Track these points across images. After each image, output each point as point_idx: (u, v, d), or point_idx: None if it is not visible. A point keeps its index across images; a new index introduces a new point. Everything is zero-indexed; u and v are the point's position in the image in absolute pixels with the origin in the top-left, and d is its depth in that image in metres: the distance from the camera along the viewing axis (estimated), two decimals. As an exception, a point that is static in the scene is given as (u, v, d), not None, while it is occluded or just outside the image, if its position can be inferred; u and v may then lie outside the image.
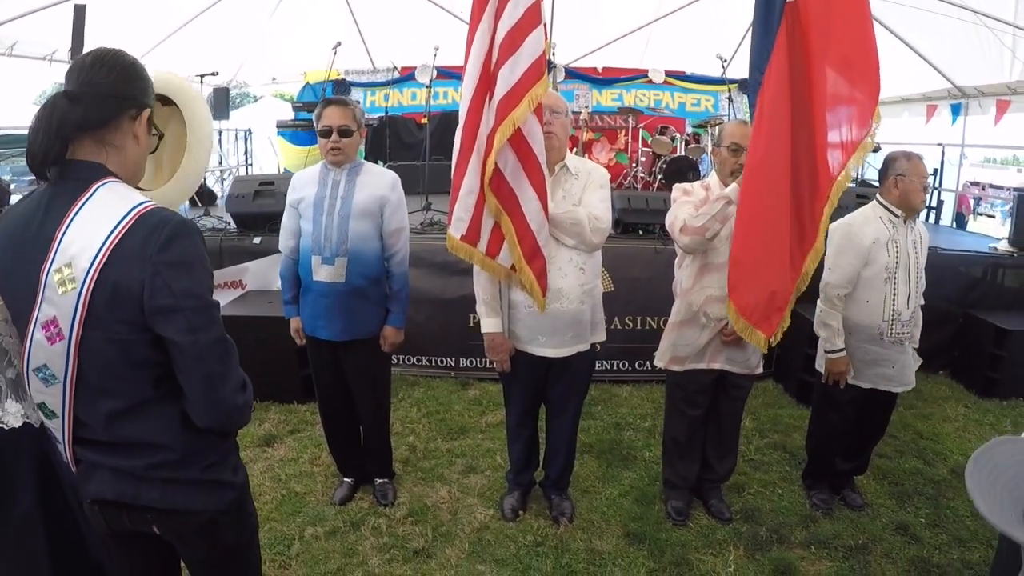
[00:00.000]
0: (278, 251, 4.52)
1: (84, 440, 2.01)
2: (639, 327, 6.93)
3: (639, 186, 11.68)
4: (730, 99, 12.00)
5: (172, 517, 2.09)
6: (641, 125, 12.76)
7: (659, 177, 11.33)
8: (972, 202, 14.72)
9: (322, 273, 4.19)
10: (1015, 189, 10.01)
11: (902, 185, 4.30)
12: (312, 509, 4.57)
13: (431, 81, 10.24)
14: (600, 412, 6.24)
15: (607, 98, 14.41)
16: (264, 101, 21.81)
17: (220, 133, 14.63)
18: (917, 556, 4.25)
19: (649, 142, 12.27)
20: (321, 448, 5.22)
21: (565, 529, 4.40)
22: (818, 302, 4.47)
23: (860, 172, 12.94)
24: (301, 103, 13.86)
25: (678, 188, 4.36)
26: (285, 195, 4.42)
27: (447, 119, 12.60)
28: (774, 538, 4.39)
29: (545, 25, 3.79)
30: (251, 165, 16.04)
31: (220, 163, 14.99)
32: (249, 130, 16.05)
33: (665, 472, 4.75)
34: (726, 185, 4.10)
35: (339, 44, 10.79)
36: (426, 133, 10.60)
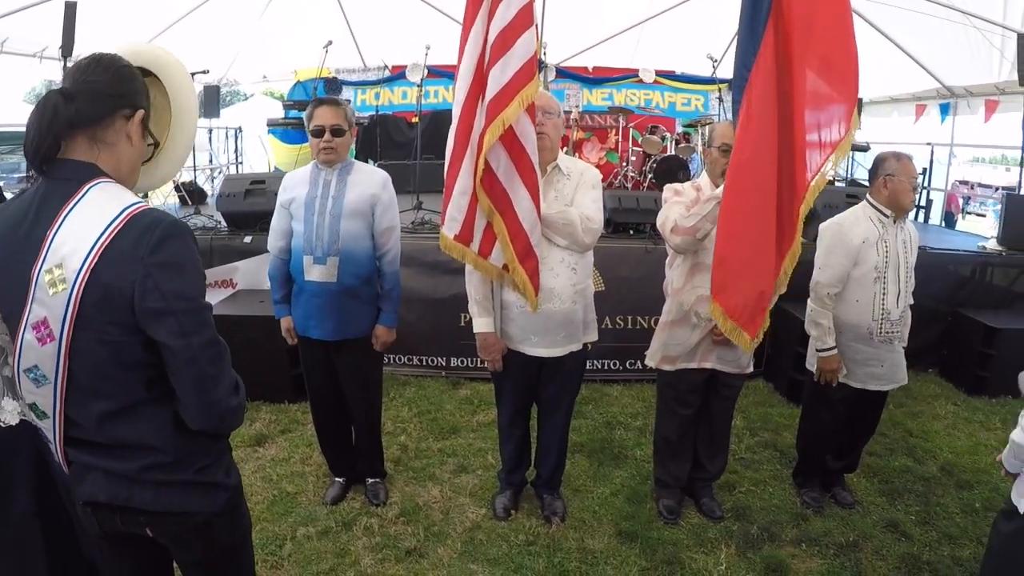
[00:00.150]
0: (268, 251, 4.51)
1: (76, 440, 2.01)
2: (630, 326, 6.94)
3: (629, 185, 11.69)
4: (720, 99, 12.01)
5: (165, 519, 2.08)
6: (631, 124, 12.77)
7: (649, 176, 11.36)
8: (961, 201, 14.78)
9: (314, 273, 4.18)
10: (1004, 188, 10.06)
11: (891, 185, 4.32)
12: (304, 509, 4.56)
13: (422, 80, 10.21)
14: (591, 411, 6.24)
15: (597, 97, 14.41)
16: (255, 99, 21.78)
17: (210, 131, 14.60)
18: (907, 553, 4.27)
19: (639, 141, 12.28)
20: (312, 448, 5.22)
21: (557, 528, 4.41)
22: (808, 301, 4.50)
23: (849, 172, 12.99)
24: (292, 101, 13.83)
25: (669, 188, 4.37)
26: (276, 194, 4.41)
27: (438, 118, 12.61)
28: (765, 536, 4.40)
29: (537, 26, 3.79)
30: (241, 163, 16.03)
31: (210, 161, 14.95)
32: (240, 128, 16.04)
33: (656, 471, 4.76)
34: (717, 185, 4.11)
35: (330, 43, 10.78)
36: (417, 132, 10.57)
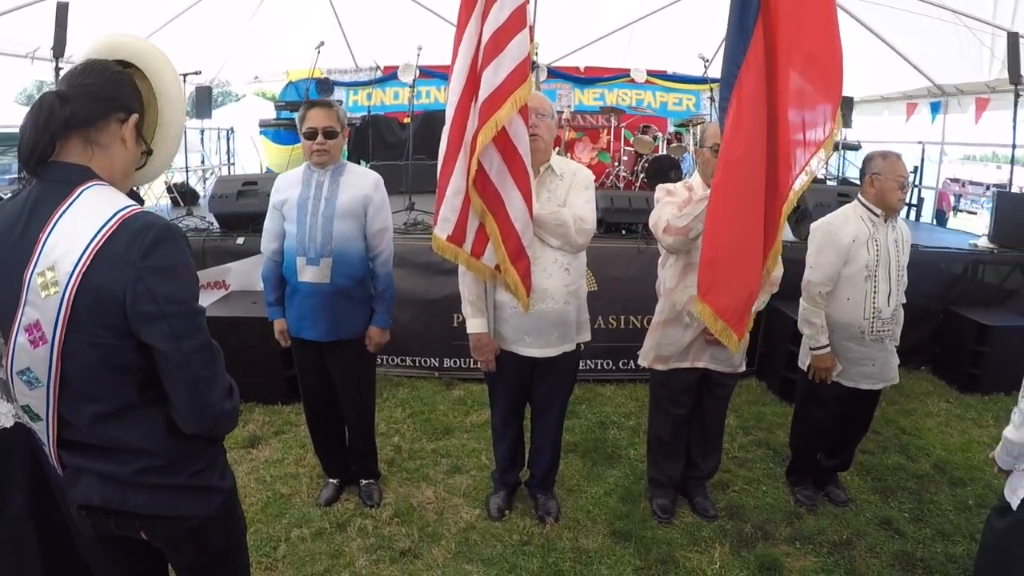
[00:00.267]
0: (261, 252, 4.51)
1: (69, 443, 2.00)
2: (623, 326, 6.95)
3: (621, 185, 11.70)
4: (712, 98, 12.04)
5: (159, 523, 2.08)
6: (623, 124, 12.78)
7: (641, 176, 11.36)
8: (953, 199, 14.82)
9: (307, 274, 4.18)
10: (995, 186, 10.09)
11: (878, 184, 4.34)
12: (298, 510, 4.56)
13: (414, 80, 10.22)
14: (584, 411, 6.25)
15: (589, 97, 14.44)
16: (246, 100, 21.72)
17: (202, 132, 14.59)
18: (901, 550, 4.28)
19: (631, 141, 12.27)
20: (306, 449, 5.21)
21: (551, 528, 4.41)
22: (801, 300, 4.51)
23: (841, 170, 13.01)
24: (284, 102, 13.83)
25: (661, 188, 4.37)
26: (268, 195, 4.41)
27: (430, 118, 12.59)
28: (759, 535, 4.41)
29: (531, 28, 3.79)
30: (233, 164, 15.99)
31: (202, 162, 14.93)
32: (231, 129, 16.00)
33: (650, 470, 4.77)
34: (709, 185, 4.11)
35: (322, 44, 10.79)
36: (409, 132, 10.57)
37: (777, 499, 4.85)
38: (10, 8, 9.02)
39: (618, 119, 12.71)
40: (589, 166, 10.58)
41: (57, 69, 8.80)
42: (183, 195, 10.20)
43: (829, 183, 11.56)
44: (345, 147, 4.42)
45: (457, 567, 4.04)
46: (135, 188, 2.21)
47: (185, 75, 11.19)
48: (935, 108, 12.60)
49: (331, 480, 4.79)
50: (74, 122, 1.91)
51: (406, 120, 12.21)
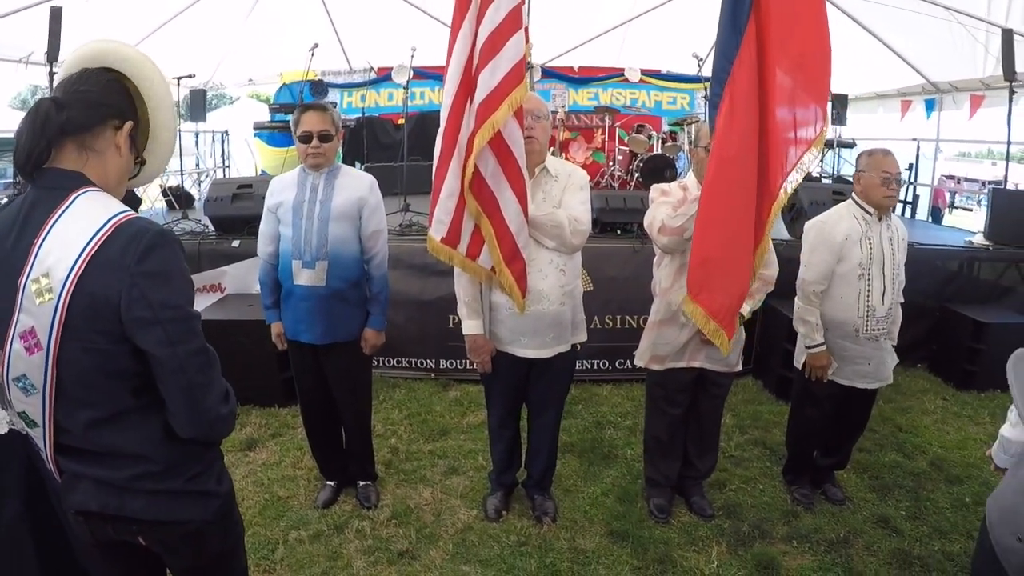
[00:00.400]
0: (256, 255, 4.50)
1: (66, 448, 2.00)
2: (619, 326, 6.95)
3: (616, 185, 11.72)
4: (706, 97, 12.00)
5: (157, 528, 2.08)
6: (618, 124, 12.79)
7: (636, 175, 11.38)
8: (948, 196, 14.83)
9: (303, 277, 4.18)
10: (990, 183, 10.10)
11: (863, 180, 4.37)
12: (295, 513, 4.56)
13: (408, 82, 10.22)
14: (581, 411, 6.25)
15: (583, 97, 14.44)
16: (240, 102, 21.76)
17: (197, 135, 14.58)
18: (898, 548, 4.29)
19: (626, 141, 12.31)
20: (303, 451, 5.21)
21: (548, 528, 4.41)
22: (796, 299, 4.51)
23: (836, 168, 13.02)
24: (278, 104, 13.83)
25: (656, 188, 4.37)
26: (263, 198, 4.41)
27: (424, 120, 12.61)
28: (756, 533, 4.41)
29: (527, 28, 3.79)
30: (228, 167, 15.99)
31: (197, 165, 14.93)
32: (226, 132, 16.00)
33: (647, 470, 4.77)
34: (704, 185, 4.12)
35: (316, 46, 10.77)
36: (403, 134, 10.57)
37: (774, 498, 4.85)
38: (4, 13, 9.00)
39: (613, 119, 12.72)
40: (584, 166, 10.60)
41: (51, 73, 8.80)
42: (178, 198, 10.19)
43: (824, 181, 11.57)
44: (340, 149, 4.42)
45: (455, 568, 4.04)
46: (132, 189, 2.22)
47: (179, 78, 11.20)
48: (930, 105, 12.61)
49: (328, 482, 4.78)
50: (69, 128, 1.91)
51: (400, 121, 12.21)
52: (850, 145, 12.87)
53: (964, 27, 10.15)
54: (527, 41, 3.82)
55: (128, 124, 2.02)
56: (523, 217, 3.81)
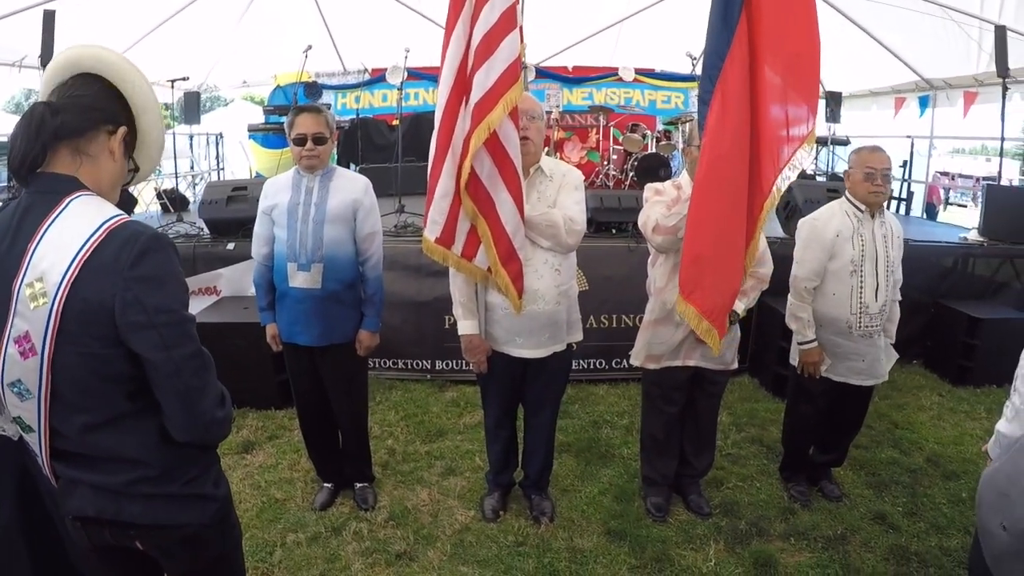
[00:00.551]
0: (251, 257, 4.50)
1: (62, 453, 2.00)
2: (615, 325, 6.96)
3: (611, 184, 11.72)
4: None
5: (154, 532, 2.08)
6: (612, 123, 12.80)
7: (631, 175, 11.38)
8: (942, 193, 14.85)
9: (298, 279, 4.18)
10: (984, 179, 10.12)
11: (850, 177, 4.42)
12: (293, 515, 4.56)
13: (402, 82, 10.22)
14: (577, 411, 6.25)
15: (578, 97, 14.45)
16: (235, 104, 21.77)
17: (191, 138, 14.58)
18: (895, 544, 4.29)
19: (620, 140, 12.31)
20: (300, 454, 5.21)
21: (546, 528, 4.41)
22: (788, 296, 4.52)
23: (830, 166, 13.04)
24: (272, 106, 13.81)
25: (650, 188, 4.37)
26: (258, 200, 4.40)
27: (418, 120, 12.60)
28: (754, 531, 4.42)
29: (521, 28, 3.80)
30: (223, 169, 15.98)
31: (192, 168, 14.91)
32: (220, 134, 15.99)
33: (644, 469, 4.77)
34: (698, 183, 4.12)
35: (310, 47, 10.77)
36: (398, 135, 10.58)
37: (771, 495, 4.85)
38: (-3, 16, 9.01)
39: (607, 118, 12.73)
40: (578, 165, 10.61)
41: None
42: (173, 201, 10.17)
43: (819, 179, 11.60)
44: (334, 150, 4.42)
45: (453, 569, 4.05)
46: (127, 188, 2.22)
47: (173, 81, 11.17)
48: (923, 102, 12.64)
49: (325, 484, 4.78)
50: (63, 132, 1.91)
51: (395, 122, 12.21)
52: (844, 142, 12.89)
53: (957, 24, 10.17)
54: (521, 41, 3.82)
55: (122, 130, 2.03)
56: (519, 217, 3.81)
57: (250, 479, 5.00)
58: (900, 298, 4.55)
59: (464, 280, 4.07)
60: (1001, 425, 2.71)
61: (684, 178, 4.29)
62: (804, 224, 4.51)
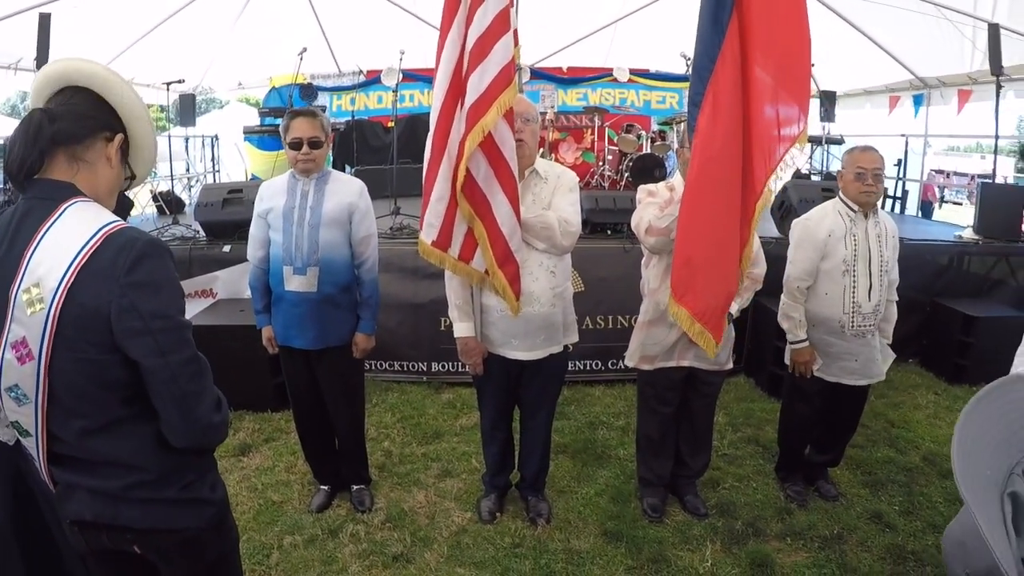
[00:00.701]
0: (247, 260, 4.51)
1: (59, 457, 2.00)
2: (610, 326, 6.96)
3: (606, 184, 11.74)
4: (692, 96, 12.06)
5: (152, 536, 2.09)
6: (607, 124, 12.84)
7: (626, 175, 11.41)
8: (937, 191, 14.87)
9: (294, 283, 4.19)
10: (979, 176, 10.14)
11: (842, 177, 4.45)
12: (290, 517, 4.56)
13: (397, 84, 10.22)
14: (574, 412, 6.25)
15: (572, 97, 14.47)
16: (230, 106, 21.76)
17: (187, 140, 14.57)
18: (892, 544, 4.30)
19: (615, 140, 12.33)
20: (297, 456, 5.21)
21: (543, 530, 4.42)
22: (781, 295, 4.54)
23: (825, 165, 13.05)
24: (268, 108, 13.82)
25: (643, 189, 4.38)
26: (253, 203, 4.41)
27: (414, 122, 12.61)
28: (750, 531, 4.42)
29: (516, 31, 3.80)
30: (218, 171, 15.97)
31: (187, 170, 14.91)
32: (216, 136, 15.97)
33: (640, 470, 4.77)
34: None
35: (305, 50, 10.77)
36: (393, 136, 10.57)
37: (767, 495, 4.86)
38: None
39: (602, 119, 12.77)
40: (573, 166, 10.62)
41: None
42: (168, 203, 10.18)
43: (814, 178, 11.61)
44: (329, 153, 4.42)
45: (450, 571, 4.05)
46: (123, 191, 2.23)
47: (169, 83, 11.18)
48: (918, 100, 12.67)
49: (322, 487, 4.78)
50: (60, 139, 1.92)
51: (390, 124, 12.20)
52: (839, 142, 12.91)
53: (951, 22, 10.21)
54: (516, 44, 3.83)
55: (119, 137, 2.04)
56: (515, 220, 3.82)
57: (247, 481, 5.00)
58: (897, 298, 4.55)
59: (460, 282, 4.08)
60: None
61: (677, 179, 4.28)
62: (797, 224, 4.53)
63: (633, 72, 14.36)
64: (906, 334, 7.08)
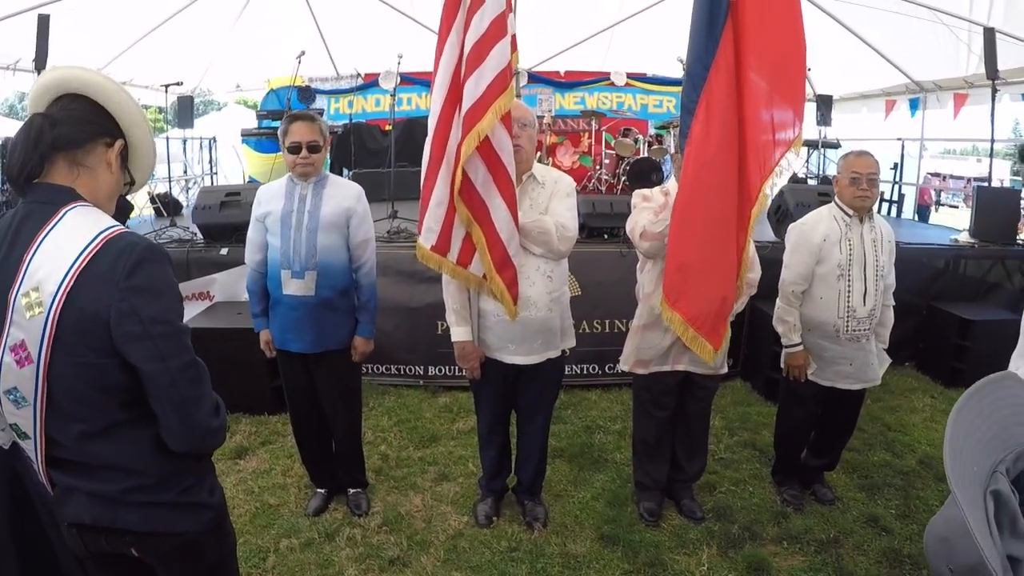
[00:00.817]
0: (245, 263, 4.51)
1: (58, 460, 2.01)
2: (607, 330, 6.95)
3: (603, 188, 11.73)
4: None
5: (151, 540, 2.10)
6: (604, 128, 12.81)
7: (623, 179, 11.40)
8: (934, 194, 14.88)
9: (292, 287, 4.19)
10: (975, 179, 10.15)
11: (838, 182, 4.46)
12: (286, 521, 4.55)
13: (395, 87, 10.22)
14: (570, 416, 6.25)
15: (570, 101, 14.49)
16: (228, 109, 21.75)
17: (184, 142, 14.56)
18: (888, 547, 4.30)
19: (612, 144, 12.33)
20: (293, 459, 5.20)
21: (539, 534, 4.42)
22: (777, 299, 4.55)
23: (821, 169, 13.06)
24: (265, 111, 13.80)
25: (638, 194, 4.39)
26: (251, 205, 4.41)
27: (411, 125, 12.62)
28: (746, 535, 4.43)
29: (514, 37, 3.81)
30: (216, 173, 15.96)
31: (185, 172, 14.90)
32: (214, 138, 15.96)
33: (636, 474, 4.78)
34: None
35: (303, 53, 10.77)
36: (391, 140, 10.58)
37: (764, 499, 4.86)
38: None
39: (599, 122, 12.75)
40: (571, 170, 10.62)
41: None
42: (166, 205, 10.19)
43: (810, 182, 11.62)
44: (327, 156, 4.43)
45: (446, 575, 4.05)
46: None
47: (167, 85, 11.18)
48: (914, 104, 12.68)
49: (319, 490, 4.78)
50: (61, 143, 1.94)
51: (388, 127, 12.22)
52: (835, 146, 12.92)
53: (947, 27, 10.23)
54: (514, 50, 3.83)
55: (119, 143, 2.06)
56: (513, 224, 3.83)
57: (243, 485, 5.00)
58: (893, 303, 4.56)
59: (457, 287, 4.08)
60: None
61: (673, 184, 4.30)
62: (792, 229, 4.54)
63: (630, 76, 14.38)
64: (902, 338, 7.08)
